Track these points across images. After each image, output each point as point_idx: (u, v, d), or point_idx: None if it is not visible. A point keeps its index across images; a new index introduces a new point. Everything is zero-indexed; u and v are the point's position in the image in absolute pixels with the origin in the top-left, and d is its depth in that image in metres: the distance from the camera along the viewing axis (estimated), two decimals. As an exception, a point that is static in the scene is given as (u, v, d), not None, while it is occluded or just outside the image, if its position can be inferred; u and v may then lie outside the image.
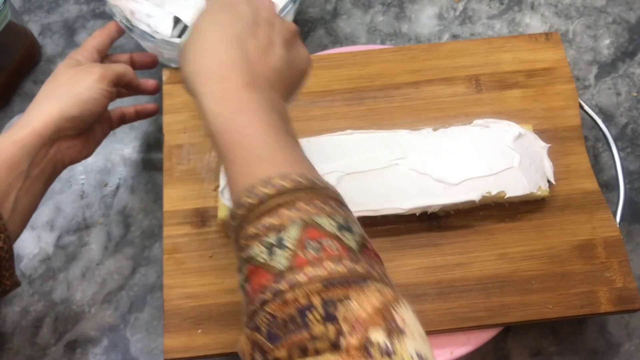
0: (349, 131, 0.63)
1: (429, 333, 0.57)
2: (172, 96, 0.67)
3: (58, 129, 0.55)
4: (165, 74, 0.68)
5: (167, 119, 0.66)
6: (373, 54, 0.70)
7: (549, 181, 0.62)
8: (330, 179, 0.59)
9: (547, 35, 0.70)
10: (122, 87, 0.63)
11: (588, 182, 0.63)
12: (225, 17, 0.46)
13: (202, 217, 0.62)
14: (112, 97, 0.60)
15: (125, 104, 0.68)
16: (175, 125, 0.66)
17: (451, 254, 0.60)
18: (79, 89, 0.57)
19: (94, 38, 0.64)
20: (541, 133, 0.65)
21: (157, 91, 0.67)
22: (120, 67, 0.61)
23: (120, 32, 0.67)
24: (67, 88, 0.57)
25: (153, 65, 0.68)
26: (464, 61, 0.69)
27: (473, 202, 0.60)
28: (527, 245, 0.60)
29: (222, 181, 0.61)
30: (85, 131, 0.59)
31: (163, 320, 0.58)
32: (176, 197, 0.63)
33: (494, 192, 0.59)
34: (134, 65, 0.66)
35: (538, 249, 0.60)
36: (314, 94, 0.67)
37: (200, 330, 0.57)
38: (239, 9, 0.46)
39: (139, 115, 0.68)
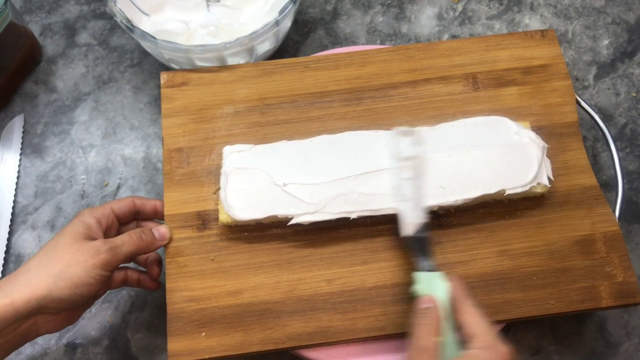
0: (348, 132, 0.64)
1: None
2: (171, 100, 0.67)
3: (40, 307, 0.52)
4: (163, 77, 0.68)
5: (165, 123, 0.66)
6: (370, 54, 0.70)
7: (547, 177, 0.62)
8: (331, 180, 0.59)
9: (542, 33, 0.70)
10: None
11: (586, 177, 0.64)
12: None
13: (203, 220, 0.62)
14: (108, 280, 0.58)
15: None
16: (174, 128, 0.66)
17: (452, 251, 0.60)
18: (76, 271, 0.53)
19: (116, 202, 0.61)
20: (539, 130, 0.65)
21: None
22: (130, 247, 0.57)
23: (142, 207, 0.62)
24: (63, 267, 0.53)
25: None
26: (460, 59, 0.69)
27: (473, 200, 0.60)
28: (528, 242, 0.61)
29: (222, 184, 0.61)
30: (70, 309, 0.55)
31: (167, 323, 0.58)
32: (177, 200, 0.63)
33: (493, 190, 0.60)
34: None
35: (538, 245, 0.61)
36: (312, 95, 0.67)
37: (204, 333, 0.57)
38: None
39: (139, 285, 0.63)
